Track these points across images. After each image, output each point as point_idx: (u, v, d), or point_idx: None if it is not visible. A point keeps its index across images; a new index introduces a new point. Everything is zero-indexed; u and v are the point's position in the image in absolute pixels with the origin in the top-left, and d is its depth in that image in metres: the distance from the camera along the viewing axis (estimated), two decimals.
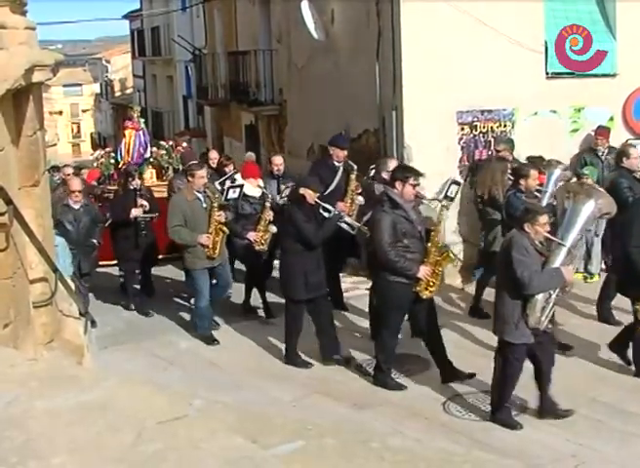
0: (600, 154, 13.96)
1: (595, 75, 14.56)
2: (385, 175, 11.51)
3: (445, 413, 9.40)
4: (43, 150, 8.04)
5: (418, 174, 10.22)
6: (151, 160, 17.68)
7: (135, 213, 13.34)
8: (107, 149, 19.22)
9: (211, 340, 11.81)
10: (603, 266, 13.62)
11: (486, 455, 8.16)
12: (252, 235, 12.53)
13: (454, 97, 13.89)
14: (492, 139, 14.09)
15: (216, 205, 11.92)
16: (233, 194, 12.63)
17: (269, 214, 12.55)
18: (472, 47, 13.75)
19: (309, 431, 3.47)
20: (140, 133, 17.77)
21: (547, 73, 14.43)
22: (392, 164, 11.76)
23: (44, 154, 8.15)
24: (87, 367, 8.06)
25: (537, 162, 12.57)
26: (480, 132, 14.25)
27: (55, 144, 72.56)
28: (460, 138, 14.21)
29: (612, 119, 14.64)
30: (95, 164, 18.26)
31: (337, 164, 12.73)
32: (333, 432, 3.51)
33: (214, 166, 15.95)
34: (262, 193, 12.75)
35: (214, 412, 3.73)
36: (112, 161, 17.84)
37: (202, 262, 11.84)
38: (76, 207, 12.81)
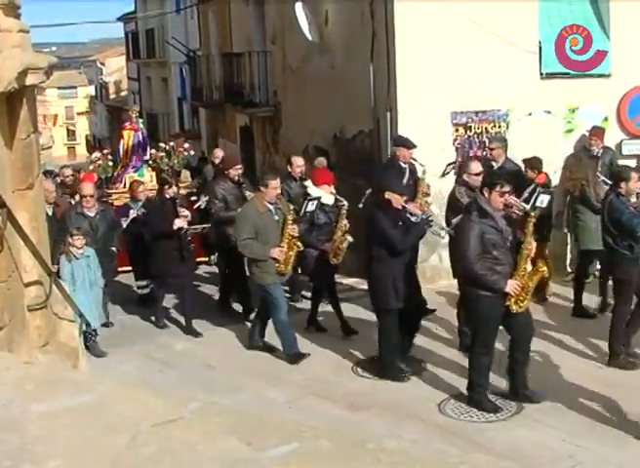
0: (595, 154, 13.95)
1: (589, 75, 14.56)
2: (467, 178, 11.26)
3: (441, 415, 9.39)
4: (37, 153, 8.02)
5: (507, 181, 9.56)
6: (150, 162, 17.27)
7: (179, 223, 12.26)
8: (105, 151, 18.59)
9: (300, 357, 11.06)
10: (598, 267, 13.62)
11: (482, 456, 8.15)
12: (328, 246, 11.77)
13: (448, 97, 13.90)
14: (486, 140, 14.09)
15: (290, 217, 11.08)
16: (312, 207, 11.86)
17: (345, 224, 11.74)
18: (466, 48, 13.75)
19: (304, 433, 3.46)
20: (139, 133, 17.33)
21: (542, 74, 14.43)
22: (475, 166, 11.40)
23: (38, 157, 8.13)
24: (82, 369, 8.06)
25: (534, 162, 12.61)
26: (475, 132, 14.26)
27: (50, 147, 72.62)
28: (455, 139, 14.21)
29: (606, 119, 14.63)
30: (91, 167, 17.87)
31: (403, 165, 12.36)
32: (328, 434, 3.50)
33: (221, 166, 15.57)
34: (336, 200, 11.99)
35: (209, 415, 3.73)
36: (110, 163, 17.40)
37: (272, 277, 11.09)
38: (91, 214, 12.27)
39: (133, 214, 13.80)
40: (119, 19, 49.58)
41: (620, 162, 14.09)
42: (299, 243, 11.12)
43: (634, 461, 8.30)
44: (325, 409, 9.55)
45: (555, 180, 13.88)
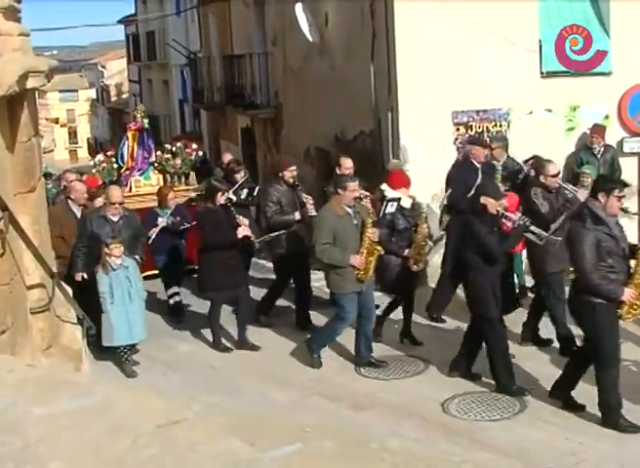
0: (596, 153, 13.96)
1: (590, 74, 14.56)
2: (543, 180, 11.05)
3: (445, 414, 9.39)
4: (39, 156, 8.04)
5: (624, 184, 9.20)
6: (155, 164, 16.56)
7: (244, 231, 11.46)
8: (109, 153, 17.55)
9: (319, 364, 10.87)
10: None
11: (485, 455, 8.17)
12: (408, 252, 11.13)
13: (449, 97, 13.90)
14: (487, 139, 14.08)
15: (369, 221, 10.48)
16: (391, 208, 11.24)
17: (426, 228, 11.25)
18: (467, 47, 13.76)
19: (308, 433, 3.47)
20: (145, 134, 16.56)
21: (542, 72, 14.43)
22: (552, 168, 11.17)
23: (40, 160, 8.15)
24: (85, 372, 8.07)
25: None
26: (476, 131, 14.26)
27: (51, 150, 72.63)
28: (456, 138, 14.22)
29: (607, 117, 14.63)
30: (94, 170, 17.10)
31: (477, 164, 12.18)
32: (332, 434, 3.51)
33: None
34: (414, 204, 11.39)
35: (212, 416, 3.73)
36: (115, 166, 16.59)
37: (352, 285, 10.46)
38: (115, 219, 11.33)
39: (162, 222, 13.06)
40: (120, 22, 49.63)
41: (622, 160, 14.12)
42: (379, 248, 10.53)
43: (636, 459, 8.31)
44: (328, 409, 9.55)
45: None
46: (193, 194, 15.65)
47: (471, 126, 14.24)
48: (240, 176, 13.86)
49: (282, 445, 3.36)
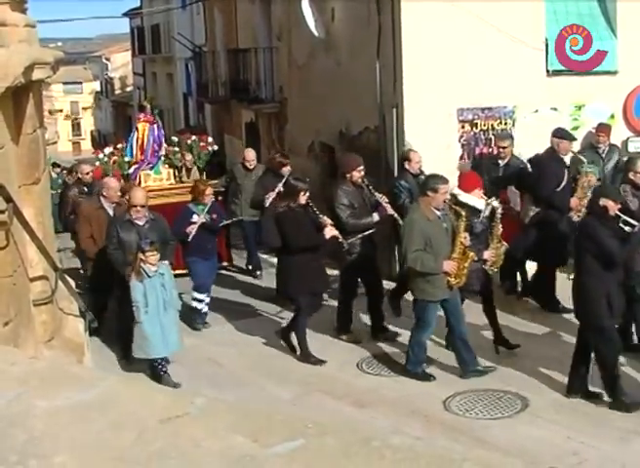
0: (601, 152, 13.94)
1: (596, 73, 14.54)
2: (632, 177, 10.96)
3: (446, 411, 9.39)
4: (43, 148, 8.04)
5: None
6: (163, 158, 15.94)
7: (331, 232, 10.88)
8: (119, 146, 16.74)
9: (426, 377, 10.25)
10: None
11: (487, 453, 8.18)
12: (487, 255, 10.56)
13: (454, 94, 13.88)
14: (492, 137, 14.07)
15: (462, 224, 9.99)
16: (485, 212, 10.67)
17: (500, 229, 10.66)
18: (473, 44, 13.74)
19: (310, 429, 3.46)
20: (155, 126, 15.78)
21: (548, 71, 14.41)
22: None
23: (44, 152, 8.15)
24: (87, 365, 8.07)
25: None
26: (481, 129, 14.23)
27: (55, 142, 72.69)
28: (461, 136, 14.20)
29: (612, 116, 14.62)
30: (98, 163, 16.28)
31: (563, 157, 12.06)
32: (334, 430, 3.50)
33: (250, 167, 15.08)
34: (487, 205, 10.77)
35: (215, 411, 3.72)
36: (127, 159, 15.84)
37: (441, 292, 9.98)
38: (141, 223, 10.77)
39: (199, 219, 12.29)
40: (125, 15, 49.55)
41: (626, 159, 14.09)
42: (471, 252, 10.06)
43: (638, 459, 8.30)
44: (330, 405, 9.56)
45: None
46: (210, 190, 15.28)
47: (476, 123, 14.21)
48: (287, 170, 13.56)
49: (285, 440, 3.36)
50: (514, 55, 13.90)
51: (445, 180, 10.16)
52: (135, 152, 15.69)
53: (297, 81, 19.75)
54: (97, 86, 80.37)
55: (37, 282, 7.62)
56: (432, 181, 10.10)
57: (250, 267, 15.62)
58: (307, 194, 10.90)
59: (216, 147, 17.80)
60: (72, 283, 9.02)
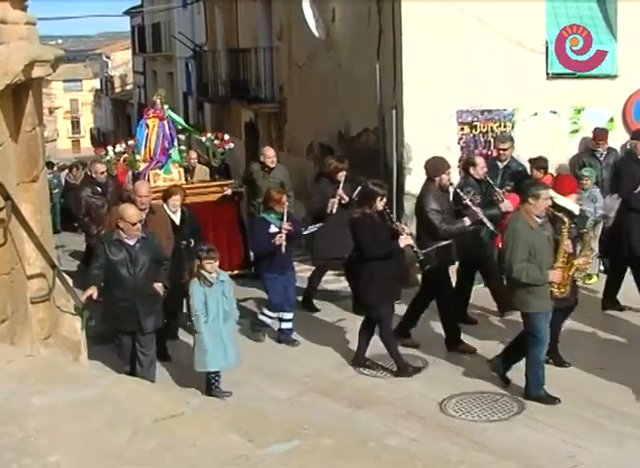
0: (599, 156, 13.95)
1: (596, 76, 14.56)
2: None
3: (442, 413, 9.40)
4: (42, 146, 8.04)
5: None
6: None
7: (407, 241, 10.38)
8: (130, 142, 15.56)
9: (552, 400, 9.55)
10: (602, 268, 13.64)
11: (483, 456, 8.19)
12: (581, 261, 10.04)
13: (454, 96, 13.90)
14: (492, 139, 14.08)
15: (565, 232, 9.56)
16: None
17: (592, 235, 10.34)
18: (473, 47, 13.75)
19: (306, 430, 3.46)
20: (165, 122, 14.83)
21: (548, 74, 14.43)
22: None
23: (43, 150, 8.15)
24: (84, 363, 8.07)
25: (540, 163, 12.60)
26: (480, 132, 14.25)
27: (54, 140, 72.72)
28: (460, 138, 14.21)
29: (612, 120, 14.64)
30: (104, 159, 15.40)
31: None
32: (329, 431, 3.49)
33: (271, 166, 14.29)
34: (580, 210, 10.48)
35: (210, 410, 3.72)
36: (138, 157, 14.83)
37: (546, 303, 9.50)
38: (131, 242, 9.69)
39: (283, 229, 11.34)
40: (125, 13, 49.59)
41: None
42: (576, 261, 9.72)
43: (635, 462, 8.30)
44: (326, 406, 9.57)
45: None
46: (229, 191, 14.76)
47: (476, 126, 14.23)
48: (343, 175, 12.79)
49: (280, 441, 3.35)
50: (514, 57, 13.91)
51: (545, 186, 9.79)
52: (143, 150, 14.84)
53: (297, 81, 19.75)
54: (97, 84, 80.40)
55: (35, 279, 7.62)
56: (533, 188, 9.60)
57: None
58: (384, 200, 10.48)
59: (232, 145, 16.77)
60: (70, 281, 9.02)
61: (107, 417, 3.54)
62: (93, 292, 9.31)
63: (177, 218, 11.85)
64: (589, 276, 13.32)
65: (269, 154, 14.49)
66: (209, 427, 3.45)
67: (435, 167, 11.44)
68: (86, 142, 79.13)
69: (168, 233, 11.21)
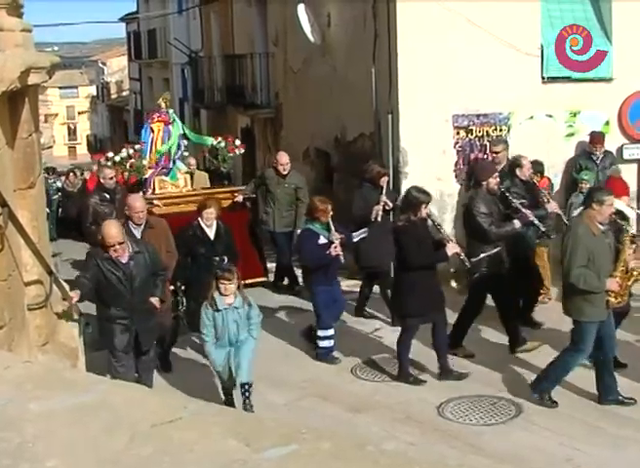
0: (595, 159, 13.96)
1: (591, 79, 14.58)
2: None
3: (440, 417, 9.39)
4: (39, 152, 8.04)
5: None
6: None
7: (454, 248, 10.13)
8: (137, 147, 14.97)
9: (553, 403, 9.53)
10: None
11: (481, 459, 8.19)
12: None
13: (449, 100, 13.91)
14: (487, 143, 14.09)
15: (627, 240, 9.31)
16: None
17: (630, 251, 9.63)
18: (468, 51, 13.77)
19: (304, 434, 3.46)
20: (170, 127, 14.40)
21: (543, 77, 14.44)
22: None
23: (39, 156, 8.15)
24: (81, 369, 8.07)
25: (535, 166, 12.60)
26: (476, 136, 14.25)
27: (50, 147, 72.68)
28: (456, 142, 14.22)
29: (607, 123, 14.65)
30: (111, 161, 14.80)
31: None
32: (327, 436, 3.50)
33: (284, 173, 14.03)
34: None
35: (207, 415, 3.73)
36: (145, 163, 14.35)
37: (600, 312, 9.24)
38: (124, 260, 9.04)
39: (335, 239, 10.82)
40: (121, 20, 49.67)
41: (621, 166, 14.12)
42: (635, 271, 9.39)
43: (633, 465, 8.31)
44: (325, 410, 9.56)
45: (557, 184, 13.91)
46: (240, 197, 14.41)
47: (471, 130, 14.24)
48: (385, 180, 12.49)
49: (278, 445, 3.36)
50: (510, 61, 13.93)
51: (609, 192, 9.55)
52: (148, 155, 14.37)
53: (292, 86, 19.77)
54: (93, 90, 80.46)
55: (32, 286, 7.62)
56: (598, 194, 9.35)
57: (281, 282, 14.75)
58: (428, 207, 10.25)
59: (242, 150, 16.32)
60: (67, 287, 9.01)
61: (105, 423, 3.54)
62: (76, 296, 8.74)
63: (211, 233, 11.26)
64: None
65: (283, 160, 14.18)
66: (206, 432, 3.46)
67: (482, 171, 11.42)
68: (82, 149, 79.13)
69: (168, 246, 10.69)
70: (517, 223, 10.93)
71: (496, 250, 10.70)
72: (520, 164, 12.06)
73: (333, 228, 10.87)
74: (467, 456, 8.26)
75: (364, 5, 14.93)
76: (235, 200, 14.41)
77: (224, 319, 9.27)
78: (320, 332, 11.12)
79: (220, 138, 15.69)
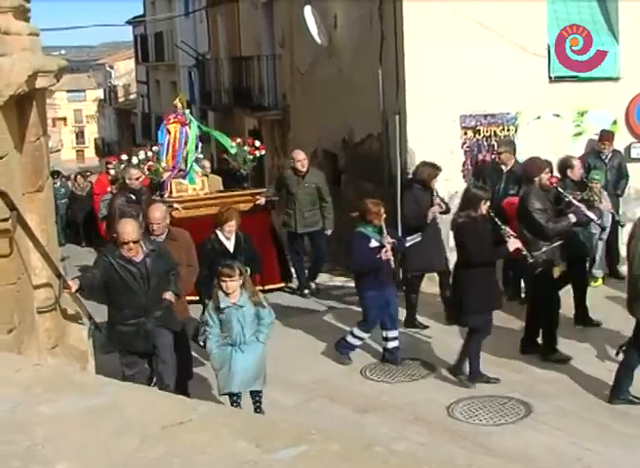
0: (604, 158, 13.94)
1: (598, 79, 14.56)
2: None
3: (450, 418, 9.38)
4: (47, 156, 8.06)
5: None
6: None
7: (516, 244, 9.97)
8: (155, 149, 14.67)
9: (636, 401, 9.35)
10: (607, 271, 13.64)
11: (491, 460, 8.18)
12: None
13: (457, 101, 13.90)
14: (495, 143, 14.08)
15: None
16: None
17: None
18: (475, 51, 13.76)
19: (313, 435, 3.47)
20: (186, 128, 14.07)
21: (550, 77, 14.43)
22: None
23: (48, 160, 8.17)
24: (91, 372, 8.08)
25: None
26: (483, 136, 14.25)
27: (58, 150, 72.80)
28: (464, 143, 14.21)
29: (615, 123, 14.62)
30: (135, 161, 14.55)
31: None
32: (336, 436, 3.50)
33: (302, 170, 13.81)
34: None
35: (218, 417, 3.73)
36: (163, 165, 14.01)
37: None
38: (137, 260, 8.73)
39: (387, 243, 10.55)
40: (128, 23, 49.72)
41: (629, 165, 14.09)
42: None
43: None
44: (334, 412, 9.56)
45: None
46: (262, 200, 14.15)
47: (479, 130, 14.23)
48: (436, 182, 12.19)
49: (288, 446, 3.36)
50: (517, 61, 13.92)
51: None
52: (165, 157, 14.02)
53: (299, 88, 19.77)
54: (100, 94, 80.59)
55: (41, 289, 7.63)
56: None
57: (300, 287, 14.37)
58: (488, 203, 10.08)
59: (263, 152, 16.17)
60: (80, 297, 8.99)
61: (115, 425, 3.55)
62: (74, 285, 8.35)
63: (230, 245, 10.98)
64: (595, 279, 13.31)
65: (299, 157, 13.97)
66: (217, 433, 3.47)
67: (535, 167, 11.29)
68: (90, 152, 79.27)
69: (190, 260, 10.12)
70: (572, 217, 10.77)
71: (558, 243, 10.61)
72: (571, 165, 12.09)
73: (385, 231, 10.62)
74: (477, 456, 8.25)
75: (370, 6, 14.93)
76: (257, 203, 14.17)
77: (228, 318, 8.90)
78: (356, 331, 10.93)
79: (238, 140, 15.39)
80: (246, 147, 15.11)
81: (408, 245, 11.41)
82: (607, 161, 13.91)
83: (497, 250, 10.05)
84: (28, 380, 4.15)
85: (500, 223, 10.03)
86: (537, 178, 10.99)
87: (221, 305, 8.87)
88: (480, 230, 9.88)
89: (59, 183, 22.64)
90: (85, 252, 15.78)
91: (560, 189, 11.15)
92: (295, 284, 14.56)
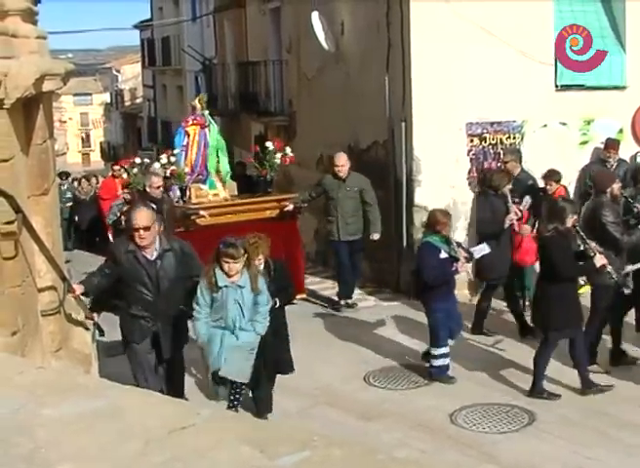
0: (609, 166, 13.93)
1: (605, 87, 14.56)
2: None
3: (452, 425, 9.37)
4: (53, 159, 8.06)
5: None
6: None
7: (602, 260, 9.74)
8: (176, 151, 13.79)
9: None
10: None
11: (493, 467, 8.16)
12: None
13: (463, 108, 13.90)
14: (501, 151, 14.07)
15: None
16: None
17: None
18: (482, 59, 13.76)
19: (316, 442, 3.47)
20: (206, 131, 13.52)
21: (557, 85, 14.43)
22: None
23: (54, 163, 8.17)
24: (95, 375, 8.07)
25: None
26: (489, 143, 14.24)
27: (64, 153, 72.88)
28: (470, 150, 14.20)
29: (621, 131, 14.63)
30: (160, 166, 13.96)
31: None
32: (339, 443, 3.50)
33: (342, 175, 13.31)
34: None
35: (221, 422, 3.73)
36: (186, 170, 13.36)
37: None
38: (150, 256, 8.16)
39: (461, 255, 10.51)
40: (135, 27, 49.77)
41: None
42: None
43: None
44: (336, 418, 9.55)
45: (570, 193, 13.88)
46: (291, 206, 13.61)
47: (485, 138, 14.23)
48: (508, 188, 11.97)
49: (291, 452, 3.36)
50: (523, 69, 13.93)
51: None
52: (184, 162, 13.44)
53: (306, 94, 19.77)
54: (106, 97, 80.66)
55: (45, 292, 7.62)
56: None
57: (340, 298, 13.83)
58: (575, 217, 9.86)
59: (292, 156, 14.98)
60: (86, 300, 8.98)
61: (118, 429, 3.55)
62: (79, 289, 8.08)
63: None
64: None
65: (340, 161, 13.46)
66: (220, 438, 3.46)
67: (604, 179, 11.16)
68: (96, 156, 79.31)
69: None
70: None
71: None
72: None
73: (454, 243, 10.55)
74: (480, 464, 8.24)
75: (378, 13, 14.94)
76: (286, 209, 13.68)
77: (224, 297, 8.18)
78: (434, 351, 10.58)
79: (272, 146, 14.46)
80: (278, 154, 14.34)
81: (477, 257, 11.33)
82: (612, 170, 13.89)
83: (583, 265, 9.91)
84: (32, 383, 4.15)
85: (584, 237, 9.84)
86: (608, 190, 10.74)
87: (220, 284, 8.15)
88: (567, 244, 9.77)
89: (66, 185, 22.57)
90: (88, 256, 15.71)
91: (630, 200, 11.03)
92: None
